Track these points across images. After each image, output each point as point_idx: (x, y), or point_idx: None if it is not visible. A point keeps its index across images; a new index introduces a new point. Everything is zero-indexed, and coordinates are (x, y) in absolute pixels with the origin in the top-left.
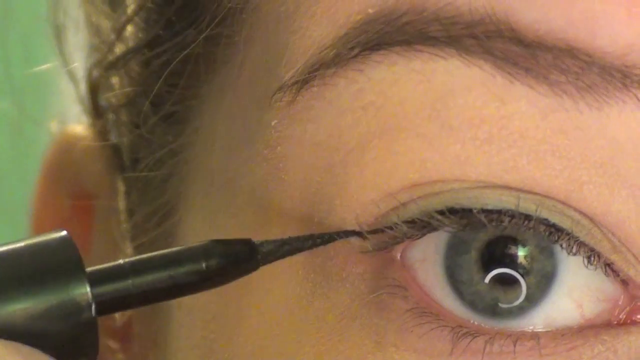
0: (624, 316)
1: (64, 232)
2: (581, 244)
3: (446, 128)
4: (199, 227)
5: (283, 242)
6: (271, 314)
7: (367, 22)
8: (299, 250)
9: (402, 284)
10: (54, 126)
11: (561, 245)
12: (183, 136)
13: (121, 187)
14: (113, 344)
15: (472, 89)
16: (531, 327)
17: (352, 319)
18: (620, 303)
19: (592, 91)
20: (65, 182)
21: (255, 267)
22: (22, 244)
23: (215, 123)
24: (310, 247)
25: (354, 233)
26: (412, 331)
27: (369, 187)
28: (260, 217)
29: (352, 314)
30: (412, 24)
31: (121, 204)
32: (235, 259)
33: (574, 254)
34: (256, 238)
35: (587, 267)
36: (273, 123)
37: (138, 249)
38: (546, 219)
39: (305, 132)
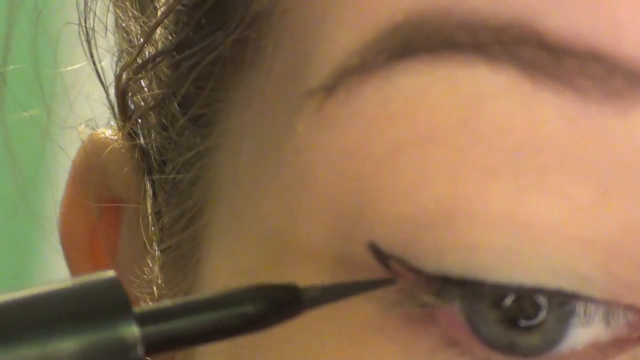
0: None
1: (112, 273)
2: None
3: (476, 137)
4: (225, 230)
5: (328, 289)
6: (294, 321)
7: (394, 29)
8: (345, 296)
9: (430, 308)
10: (82, 130)
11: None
12: (210, 139)
13: (149, 190)
14: None
15: (500, 96)
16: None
17: (378, 330)
18: None
19: (617, 96)
20: (94, 185)
21: (299, 312)
22: (70, 282)
23: (242, 126)
24: (356, 294)
25: (390, 282)
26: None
27: (403, 201)
28: (287, 222)
29: (377, 325)
30: (438, 31)
31: (149, 207)
32: (281, 304)
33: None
34: (282, 242)
35: (608, 325)
36: (300, 129)
37: (165, 252)
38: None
39: (333, 140)
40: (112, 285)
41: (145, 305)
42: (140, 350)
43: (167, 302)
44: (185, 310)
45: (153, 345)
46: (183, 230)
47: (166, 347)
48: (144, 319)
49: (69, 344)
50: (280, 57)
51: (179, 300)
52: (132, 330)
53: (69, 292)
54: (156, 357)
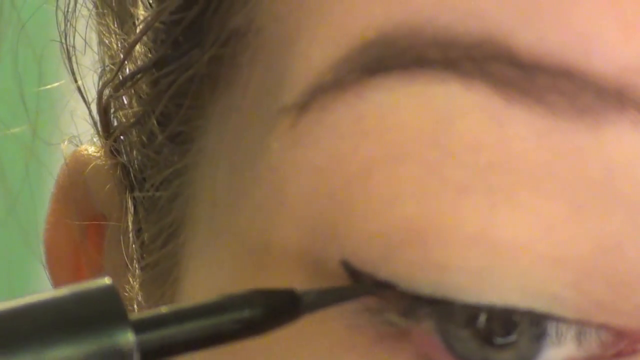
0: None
1: (108, 280)
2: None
3: (448, 154)
4: (202, 248)
5: (325, 293)
6: (266, 336)
7: (366, 46)
8: (342, 300)
9: (402, 326)
10: (66, 147)
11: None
12: (188, 156)
13: (130, 207)
14: None
15: (471, 113)
16: None
17: (350, 348)
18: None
19: (588, 112)
20: (77, 202)
21: (296, 317)
22: (65, 290)
23: (219, 144)
24: (352, 298)
25: (386, 286)
26: None
27: (374, 219)
28: (261, 241)
29: (349, 343)
30: (410, 47)
31: (130, 224)
32: (278, 309)
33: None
34: (256, 259)
35: (580, 345)
36: (274, 146)
37: (144, 270)
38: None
39: (306, 157)
40: (108, 293)
41: (142, 312)
42: (136, 357)
43: (163, 309)
44: (182, 316)
45: (150, 352)
46: (161, 247)
47: (163, 353)
48: (140, 326)
49: (65, 351)
50: (255, 75)
51: (176, 306)
52: (128, 338)
53: (64, 300)
54: None
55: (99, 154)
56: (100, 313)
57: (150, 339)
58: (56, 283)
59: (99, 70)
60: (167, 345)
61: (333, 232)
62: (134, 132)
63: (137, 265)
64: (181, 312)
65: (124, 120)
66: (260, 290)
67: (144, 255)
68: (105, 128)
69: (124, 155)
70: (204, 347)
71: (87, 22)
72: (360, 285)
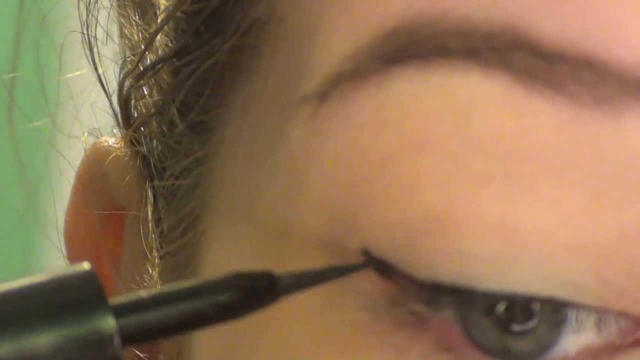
0: None
1: (87, 265)
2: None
3: (468, 143)
4: (222, 237)
5: (303, 275)
6: (288, 323)
7: (386, 35)
8: (319, 282)
9: (421, 313)
10: (86, 139)
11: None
12: (208, 145)
13: (150, 197)
14: (141, 354)
15: (492, 103)
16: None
17: (370, 335)
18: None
19: (609, 101)
20: (96, 194)
21: (275, 300)
22: (44, 276)
23: (240, 133)
24: (330, 279)
25: (371, 264)
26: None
27: (395, 208)
28: (281, 229)
29: (370, 331)
30: (431, 37)
31: (149, 213)
32: (256, 292)
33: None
34: (277, 249)
35: (600, 332)
36: (295, 135)
37: (163, 259)
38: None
39: (326, 146)
40: (88, 278)
41: (121, 296)
42: (117, 341)
43: (142, 293)
44: (160, 300)
45: (130, 336)
46: (181, 236)
47: (143, 337)
48: (120, 311)
49: (46, 337)
50: (276, 64)
51: (155, 290)
52: (109, 322)
53: (44, 286)
54: (145, 348)
55: (118, 146)
56: (80, 298)
57: (130, 323)
58: None
59: (120, 61)
60: (146, 330)
61: (353, 221)
62: (154, 122)
63: (156, 255)
64: (160, 296)
65: (145, 110)
66: (238, 273)
67: (163, 244)
68: (126, 119)
69: (144, 146)
70: (182, 331)
71: (109, 13)
72: (338, 267)
